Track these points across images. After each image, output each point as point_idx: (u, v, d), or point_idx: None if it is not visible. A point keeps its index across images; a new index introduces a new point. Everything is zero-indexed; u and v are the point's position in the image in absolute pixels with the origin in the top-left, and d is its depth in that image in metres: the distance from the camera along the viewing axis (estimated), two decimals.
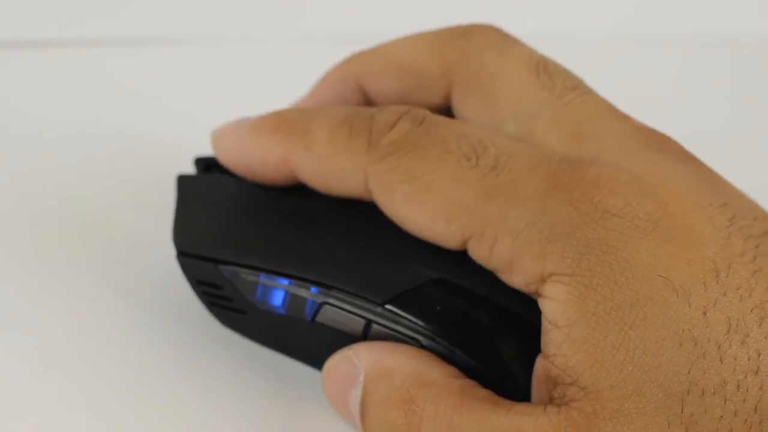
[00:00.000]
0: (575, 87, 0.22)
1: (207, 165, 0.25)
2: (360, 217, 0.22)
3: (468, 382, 0.20)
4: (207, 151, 0.25)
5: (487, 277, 0.21)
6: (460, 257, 0.21)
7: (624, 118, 0.22)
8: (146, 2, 0.41)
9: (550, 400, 0.19)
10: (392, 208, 0.21)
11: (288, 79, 0.26)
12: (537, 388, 0.20)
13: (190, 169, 0.26)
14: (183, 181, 0.25)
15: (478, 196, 0.20)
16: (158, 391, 0.23)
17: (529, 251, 0.19)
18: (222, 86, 0.35)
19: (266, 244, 0.23)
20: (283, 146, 0.23)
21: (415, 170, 0.21)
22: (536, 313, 0.20)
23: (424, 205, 0.20)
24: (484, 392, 0.20)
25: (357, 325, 0.21)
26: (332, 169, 0.22)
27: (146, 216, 0.29)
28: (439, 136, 0.21)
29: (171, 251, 0.24)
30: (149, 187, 0.30)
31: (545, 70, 0.22)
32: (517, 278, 0.20)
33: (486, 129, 0.21)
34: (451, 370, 0.20)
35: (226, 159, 0.24)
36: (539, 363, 0.20)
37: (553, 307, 0.19)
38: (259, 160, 0.23)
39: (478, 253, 0.20)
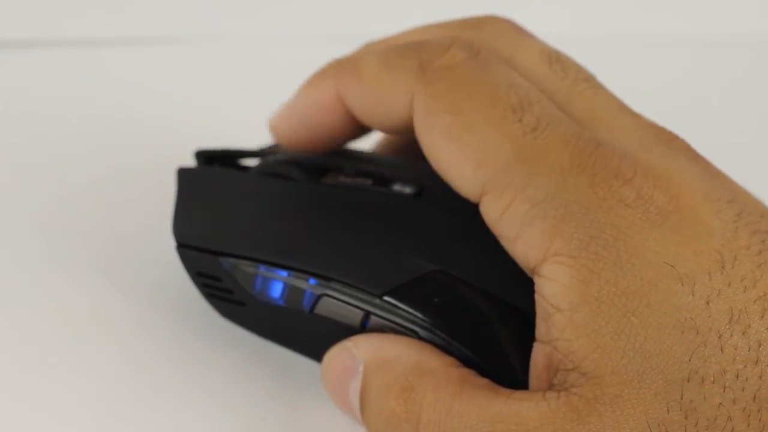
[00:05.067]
0: (587, 79, 0.22)
1: (207, 158, 0.25)
2: (359, 209, 0.22)
3: (467, 371, 0.20)
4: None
5: (485, 269, 0.21)
6: (458, 249, 0.21)
7: (634, 114, 0.22)
8: (146, 2, 0.41)
9: (550, 387, 0.19)
10: (427, 135, 0.21)
11: (288, 79, 0.26)
12: (535, 376, 0.20)
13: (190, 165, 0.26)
14: (183, 173, 0.25)
15: (512, 152, 0.20)
16: (159, 388, 0.23)
17: (541, 224, 0.19)
18: (222, 86, 0.35)
19: (265, 236, 0.23)
20: (334, 82, 0.23)
21: (461, 104, 0.20)
22: (534, 304, 0.19)
23: (460, 143, 0.20)
24: (483, 380, 0.20)
25: (355, 316, 0.21)
26: (381, 92, 0.22)
27: (147, 210, 0.29)
28: (491, 76, 0.21)
29: (171, 244, 0.24)
30: (149, 183, 0.30)
31: (557, 60, 0.22)
32: (520, 248, 0.19)
33: (531, 84, 0.21)
34: (450, 360, 0.20)
35: (285, 132, 0.24)
36: (538, 349, 0.19)
37: (554, 289, 0.19)
38: (315, 108, 0.23)
39: (490, 211, 0.20)
